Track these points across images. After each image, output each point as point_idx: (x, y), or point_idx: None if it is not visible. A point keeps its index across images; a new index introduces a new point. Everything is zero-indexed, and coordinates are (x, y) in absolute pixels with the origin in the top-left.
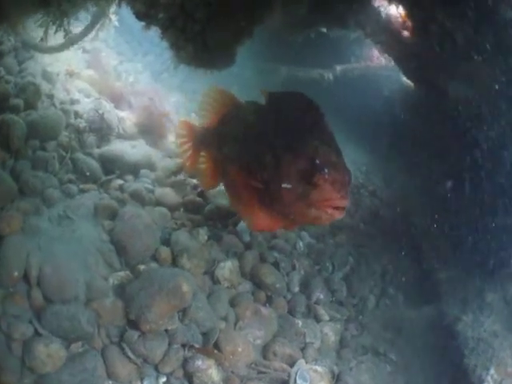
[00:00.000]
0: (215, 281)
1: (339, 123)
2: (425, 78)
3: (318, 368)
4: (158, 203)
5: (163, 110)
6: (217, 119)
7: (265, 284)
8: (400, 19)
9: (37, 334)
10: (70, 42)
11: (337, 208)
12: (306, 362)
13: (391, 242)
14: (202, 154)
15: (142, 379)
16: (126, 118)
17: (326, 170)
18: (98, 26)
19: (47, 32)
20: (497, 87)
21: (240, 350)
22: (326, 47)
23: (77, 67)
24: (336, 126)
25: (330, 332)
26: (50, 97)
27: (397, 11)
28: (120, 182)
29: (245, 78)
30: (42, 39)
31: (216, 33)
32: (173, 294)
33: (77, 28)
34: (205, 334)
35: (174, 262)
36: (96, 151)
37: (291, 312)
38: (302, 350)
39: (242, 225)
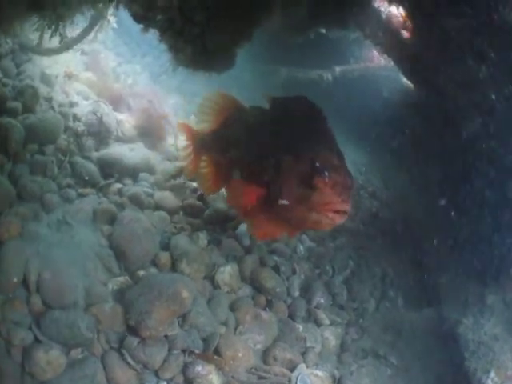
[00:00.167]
0: (215, 285)
1: (338, 124)
2: (425, 79)
3: (319, 372)
4: (158, 207)
5: (162, 112)
6: (219, 123)
7: (265, 288)
8: (400, 20)
9: (36, 340)
10: (69, 44)
11: (338, 212)
12: (307, 367)
13: (391, 245)
14: (203, 158)
15: None
16: (125, 121)
17: (327, 173)
18: (96, 27)
19: (42, 36)
20: (497, 89)
21: (240, 355)
22: (325, 48)
23: (75, 69)
24: (335, 126)
25: (331, 336)
26: (49, 100)
27: (397, 12)
28: (119, 185)
29: (244, 79)
30: (37, 43)
31: (215, 35)
32: (172, 299)
33: (74, 31)
34: (205, 340)
35: (174, 267)
36: (95, 155)
37: (291, 316)
38: (303, 354)
39: (242, 228)
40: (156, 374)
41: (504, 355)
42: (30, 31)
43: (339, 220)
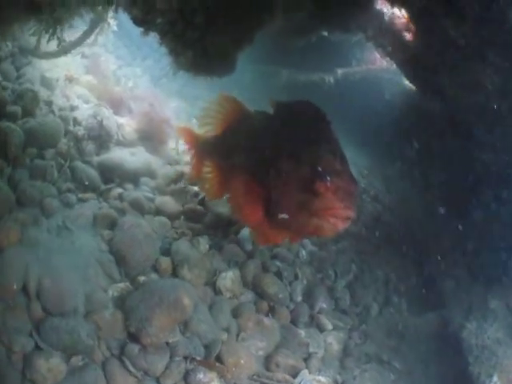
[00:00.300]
0: (217, 291)
1: (340, 126)
2: (427, 82)
3: (322, 378)
4: (158, 212)
5: (163, 115)
6: (223, 128)
7: (267, 294)
8: (403, 22)
9: (37, 347)
10: (69, 47)
11: (341, 218)
12: (310, 373)
13: (394, 248)
14: (207, 163)
15: None
16: (126, 125)
17: (329, 178)
18: (96, 30)
19: (40, 39)
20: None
21: (242, 361)
22: (327, 51)
23: (76, 72)
24: (337, 129)
25: (334, 341)
26: (49, 103)
27: (399, 14)
28: (119, 190)
29: (245, 82)
30: (35, 47)
31: (216, 39)
32: (173, 306)
33: (74, 34)
34: (207, 346)
35: (175, 273)
36: (95, 159)
37: (294, 322)
38: (305, 360)
39: (244, 233)
40: (157, 381)
41: (507, 359)
42: (30, 34)
43: (342, 226)
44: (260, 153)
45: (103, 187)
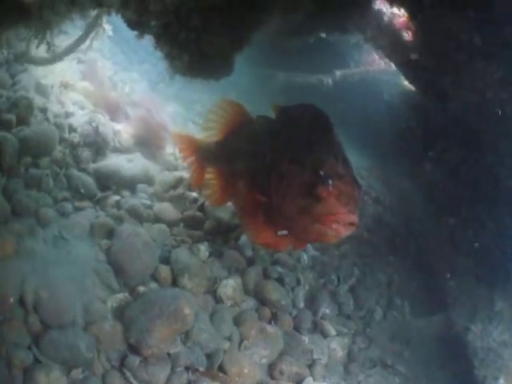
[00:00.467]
0: (218, 300)
1: (339, 128)
2: (428, 83)
3: None
4: (157, 219)
5: (161, 120)
6: (225, 133)
7: (269, 301)
8: (402, 21)
9: (36, 360)
10: (64, 52)
11: (344, 224)
12: (314, 380)
13: (396, 250)
14: (209, 169)
15: None
16: (122, 131)
17: (331, 182)
18: (91, 35)
19: (29, 45)
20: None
21: (246, 371)
22: (325, 52)
23: (72, 79)
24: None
25: (338, 347)
26: (44, 110)
27: (399, 14)
28: (116, 198)
29: (242, 84)
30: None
31: (212, 40)
32: (174, 317)
33: (68, 40)
34: (209, 356)
35: (175, 282)
36: (91, 166)
37: (297, 328)
38: (310, 367)
39: (244, 239)
40: None
41: None
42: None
43: (345, 232)
44: (263, 158)
45: (100, 195)
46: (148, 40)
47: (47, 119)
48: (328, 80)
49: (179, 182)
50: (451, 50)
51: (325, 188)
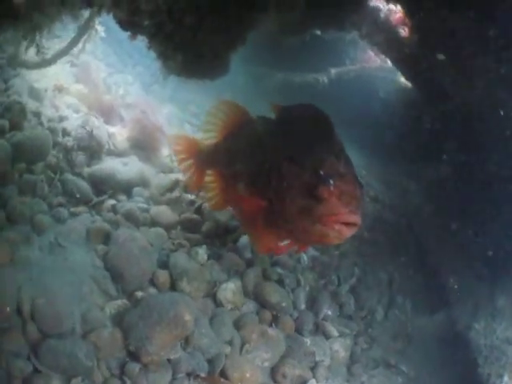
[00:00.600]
0: (217, 303)
1: (337, 127)
2: (424, 79)
3: None
4: (154, 223)
5: (156, 122)
6: (225, 134)
7: (270, 303)
8: (398, 17)
9: (36, 370)
10: (57, 56)
11: (346, 224)
12: (317, 382)
13: (396, 249)
14: (209, 172)
15: None
16: (117, 133)
17: (332, 182)
18: (84, 37)
19: (18, 49)
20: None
21: (248, 375)
22: (320, 50)
23: (65, 82)
24: None
25: (340, 348)
26: (37, 115)
27: (394, 10)
28: (112, 202)
29: (238, 84)
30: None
31: (207, 39)
32: (174, 323)
33: (61, 43)
34: (210, 361)
35: (173, 286)
36: (86, 171)
37: (299, 331)
38: (312, 369)
39: (243, 241)
40: None
41: None
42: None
43: (347, 233)
44: (263, 159)
45: (95, 199)
46: (141, 41)
47: (41, 123)
48: (324, 78)
49: (175, 184)
50: (448, 47)
51: (326, 188)
